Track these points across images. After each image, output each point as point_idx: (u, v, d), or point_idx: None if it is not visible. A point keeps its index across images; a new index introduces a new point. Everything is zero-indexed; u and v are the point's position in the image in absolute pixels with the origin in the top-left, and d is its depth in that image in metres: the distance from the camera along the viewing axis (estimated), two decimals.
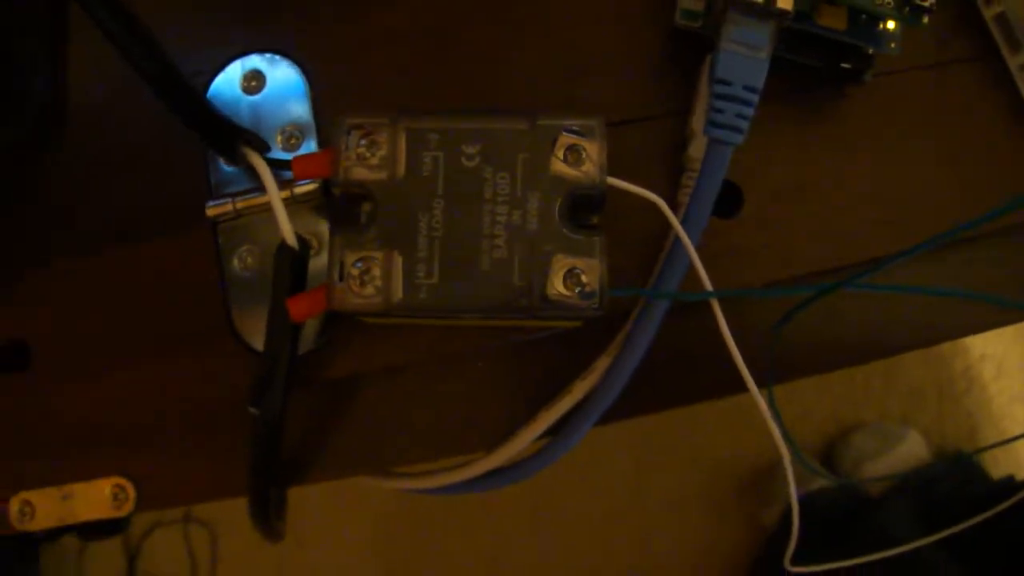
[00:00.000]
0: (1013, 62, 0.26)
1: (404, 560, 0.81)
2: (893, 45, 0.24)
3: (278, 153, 0.25)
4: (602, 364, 0.23)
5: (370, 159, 0.22)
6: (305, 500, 0.75)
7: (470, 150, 0.22)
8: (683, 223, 0.22)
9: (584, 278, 0.21)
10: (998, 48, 0.26)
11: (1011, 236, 0.26)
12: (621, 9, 0.26)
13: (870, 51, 0.24)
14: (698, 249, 0.22)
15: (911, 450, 0.70)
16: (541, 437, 0.25)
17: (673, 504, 0.80)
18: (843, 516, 0.66)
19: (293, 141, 0.25)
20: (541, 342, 0.25)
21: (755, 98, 0.22)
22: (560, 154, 0.22)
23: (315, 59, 0.26)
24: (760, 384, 0.23)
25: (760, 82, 0.22)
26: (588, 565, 0.81)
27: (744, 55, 0.22)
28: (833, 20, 0.23)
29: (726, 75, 0.22)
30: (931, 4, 0.22)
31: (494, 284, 0.21)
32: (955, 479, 0.62)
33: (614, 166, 0.22)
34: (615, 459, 0.81)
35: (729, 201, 0.25)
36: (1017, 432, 0.78)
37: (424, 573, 0.81)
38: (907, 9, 0.23)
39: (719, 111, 0.22)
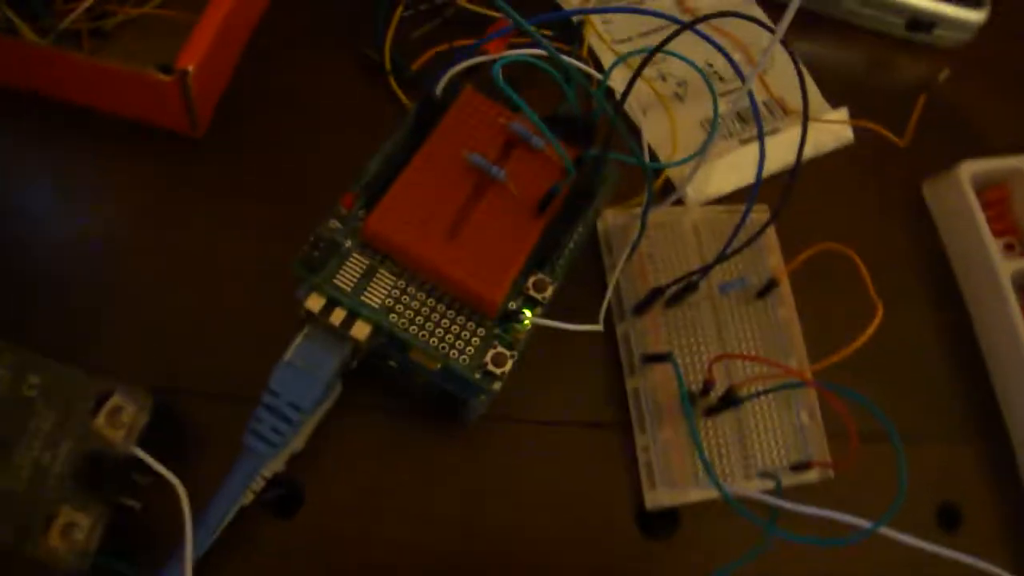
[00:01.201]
0: (639, 440, 0.26)
1: None
2: (482, 399, 0.23)
3: None
4: None
5: None
6: None
7: (34, 380, 0.23)
8: (200, 517, 0.22)
9: (78, 535, 0.22)
10: (630, 421, 0.26)
11: None
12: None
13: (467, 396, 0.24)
14: (228, 547, 0.23)
15: None
16: None
17: None
18: None
19: None
20: None
21: (298, 416, 0.22)
22: (104, 412, 0.22)
23: None
24: None
25: (309, 403, 0.22)
26: None
27: (302, 372, 0.22)
28: (426, 359, 0.23)
29: (276, 386, 0.22)
30: (502, 373, 0.23)
31: (5, 516, 0.22)
32: None
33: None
34: None
35: (290, 502, 0.25)
36: None
37: None
38: (479, 374, 0.23)
39: (259, 420, 0.22)
